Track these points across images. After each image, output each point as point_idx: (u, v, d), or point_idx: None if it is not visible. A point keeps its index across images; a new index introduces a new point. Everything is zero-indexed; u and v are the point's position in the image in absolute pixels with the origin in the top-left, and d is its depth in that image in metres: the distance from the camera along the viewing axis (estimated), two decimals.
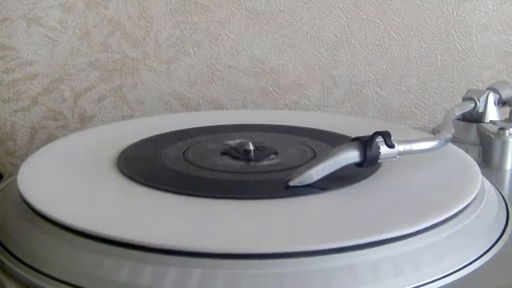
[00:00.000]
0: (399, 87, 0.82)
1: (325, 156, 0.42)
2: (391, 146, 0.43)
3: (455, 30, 0.80)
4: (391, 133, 0.43)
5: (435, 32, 0.80)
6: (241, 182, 0.45)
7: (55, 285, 0.34)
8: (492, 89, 0.60)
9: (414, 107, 0.82)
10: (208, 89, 0.82)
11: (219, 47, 0.80)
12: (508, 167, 0.55)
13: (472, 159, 0.48)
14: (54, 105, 0.80)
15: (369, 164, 0.42)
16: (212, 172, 0.46)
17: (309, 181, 0.41)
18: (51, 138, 0.80)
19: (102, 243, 0.34)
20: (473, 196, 0.41)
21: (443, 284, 0.34)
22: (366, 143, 0.42)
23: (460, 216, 0.39)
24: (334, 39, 0.80)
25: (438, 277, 0.34)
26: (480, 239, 0.38)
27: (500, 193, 0.46)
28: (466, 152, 0.51)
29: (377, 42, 0.81)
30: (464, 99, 0.61)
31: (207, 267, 0.33)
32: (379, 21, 0.80)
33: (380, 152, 0.42)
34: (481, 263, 0.37)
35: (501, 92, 0.60)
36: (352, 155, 0.42)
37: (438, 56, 0.81)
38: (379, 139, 0.43)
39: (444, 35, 0.80)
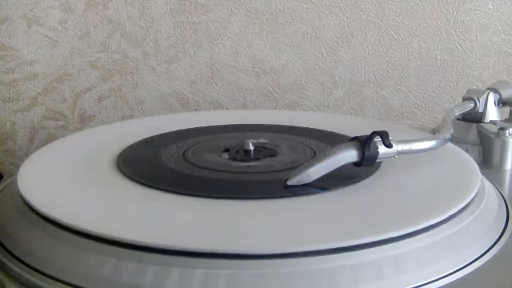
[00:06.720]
0: (399, 87, 0.82)
1: (323, 155, 0.42)
2: (388, 145, 0.43)
3: (455, 30, 0.80)
4: (390, 133, 0.43)
5: (435, 32, 0.80)
6: (241, 182, 0.45)
7: (55, 285, 0.34)
8: (492, 89, 0.60)
9: (414, 107, 0.82)
10: (208, 89, 0.82)
11: (219, 47, 0.80)
12: (508, 167, 0.55)
13: (472, 159, 0.48)
14: (54, 105, 0.80)
15: (367, 163, 0.42)
16: (212, 172, 0.46)
17: (307, 180, 0.41)
18: (51, 138, 0.80)
19: (102, 243, 0.35)
20: (473, 196, 0.41)
21: (443, 284, 0.34)
22: (364, 143, 0.42)
23: (460, 216, 0.39)
24: (334, 39, 0.80)
25: (438, 277, 0.34)
26: (480, 239, 0.38)
27: (500, 193, 0.46)
28: (466, 152, 0.51)
29: (377, 42, 0.81)
30: (464, 99, 0.61)
31: (205, 267, 0.33)
32: (379, 21, 0.80)
33: (378, 152, 0.42)
34: (481, 263, 0.37)
35: (501, 92, 0.60)
36: (350, 155, 0.42)
37: (438, 56, 0.81)
38: (377, 139, 0.43)
39: (444, 35, 0.80)
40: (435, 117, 0.82)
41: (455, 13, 0.79)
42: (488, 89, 0.61)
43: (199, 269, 0.33)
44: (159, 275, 0.33)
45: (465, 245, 0.37)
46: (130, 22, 0.79)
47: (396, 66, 0.81)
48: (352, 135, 0.44)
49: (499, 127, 0.55)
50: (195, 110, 0.82)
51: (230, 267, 0.33)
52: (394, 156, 0.43)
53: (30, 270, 0.35)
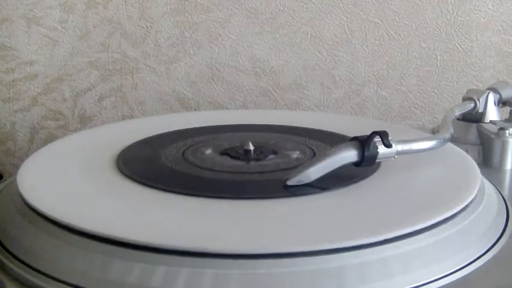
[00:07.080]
0: (399, 87, 0.82)
1: (323, 155, 0.42)
2: (388, 145, 0.43)
3: (455, 30, 0.80)
4: (390, 133, 0.43)
5: (435, 32, 0.80)
6: (241, 182, 0.45)
7: (55, 285, 0.34)
8: (492, 89, 0.60)
9: (414, 107, 0.82)
10: (208, 89, 0.82)
11: (219, 47, 0.80)
12: (508, 167, 0.55)
13: (472, 159, 0.48)
14: (54, 105, 0.80)
15: (366, 163, 0.42)
16: (212, 172, 0.46)
17: (307, 180, 0.41)
18: (51, 138, 0.80)
19: (102, 243, 0.35)
20: (473, 196, 0.41)
21: (443, 283, 0.34)
22: (363, 143, 0.42)
23: (460, 216, 0.39)
24: (334, 39, 0.80)
25: (438, 277, 0.34)
26: (480, 239, 0.38)
27: (500, 193, 0.46)
28: (466, 152, 0.51)
29: (377, 42, 0.81)
30: (464, 99, 0.61)
31: (204, 267, 0.33)
32: (379, 21, 0.80)
33: (378, 152, 0.42)
34: (481, 263, 0.37)
35: (501, 92, 0.60)
36: (349, 155, 0.42)
37: (438, 56, 0.81)
38: (377, 139, 0.43)
39: (444, 35, 0.80)
40: (435, 117, 0.82)
41: (455, 13, 0.79)
42: (488, 89, 0.61)
43: (198, 269, 0.33)
44: (155, 274, 0.33)
45: (465, 245, 0.37)
46: (130, 22, 0.79)
47: (396, 66, 0.81)
48: (352, 135, 0.44)
49: (499, 127, 0.55)
50: (195, 110, 0.82)
51: (227, 267, 0.33)
52: (394, 156, 0.43)
53: (30, 270, 0.35)
